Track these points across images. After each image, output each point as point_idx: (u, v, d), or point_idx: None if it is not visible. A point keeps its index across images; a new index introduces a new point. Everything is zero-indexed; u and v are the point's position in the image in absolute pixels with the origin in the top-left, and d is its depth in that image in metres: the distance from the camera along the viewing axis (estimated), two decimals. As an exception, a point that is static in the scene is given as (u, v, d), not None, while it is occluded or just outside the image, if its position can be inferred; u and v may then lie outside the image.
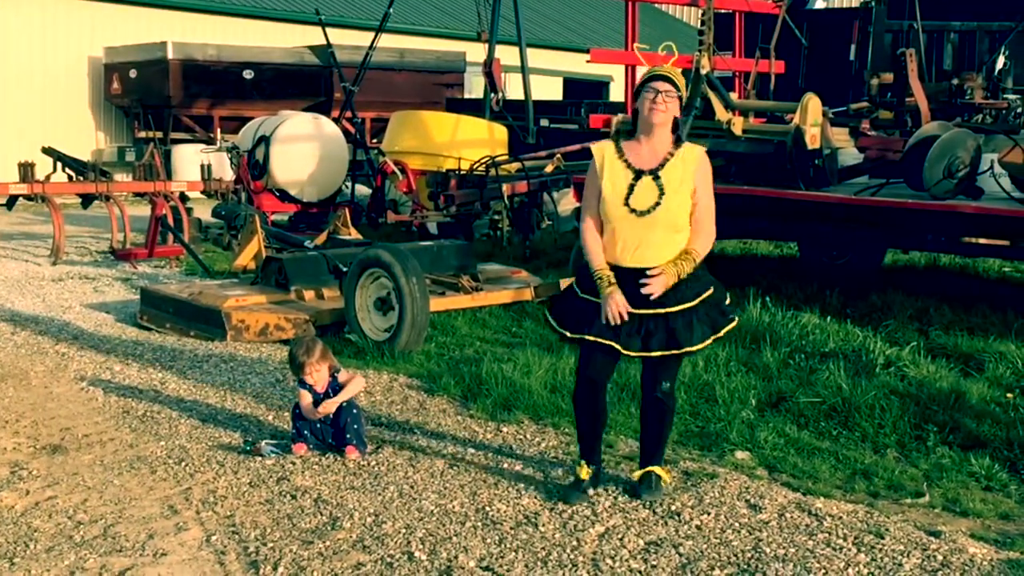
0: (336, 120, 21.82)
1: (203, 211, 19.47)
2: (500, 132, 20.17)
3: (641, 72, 6.89)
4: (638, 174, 6.56)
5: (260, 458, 7.58)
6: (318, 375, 7.79)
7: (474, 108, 24.49)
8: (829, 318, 11.20)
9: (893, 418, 8.27)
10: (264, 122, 20.37)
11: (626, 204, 6.52)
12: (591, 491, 6.90)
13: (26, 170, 17.81)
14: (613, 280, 6.54)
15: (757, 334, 10.45)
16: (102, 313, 12.97)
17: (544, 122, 22.98)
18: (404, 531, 6.34)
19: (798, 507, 6.79)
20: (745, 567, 5.90)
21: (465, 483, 7.15)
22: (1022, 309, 11.78)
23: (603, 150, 6.69)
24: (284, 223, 19.65)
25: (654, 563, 5.93)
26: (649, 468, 6.95)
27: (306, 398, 7.76)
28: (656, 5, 47.56)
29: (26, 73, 29.74)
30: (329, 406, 7.69)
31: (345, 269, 11.31)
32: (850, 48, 18.25)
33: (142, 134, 29.63)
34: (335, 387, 7.81)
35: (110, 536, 6.29)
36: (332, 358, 7.95)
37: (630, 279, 6.53)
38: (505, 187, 17.28)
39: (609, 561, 5.95)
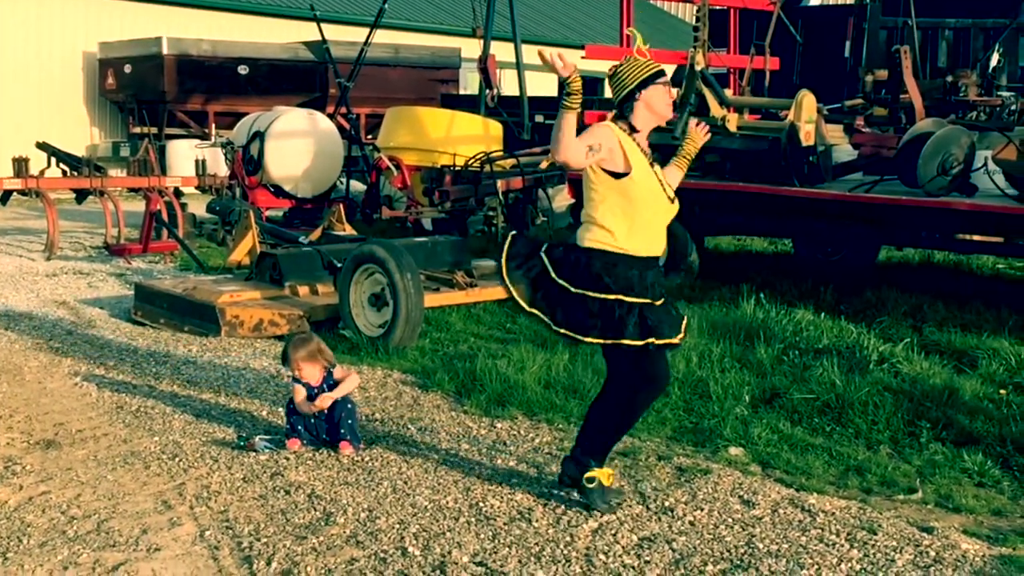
0: (331, 116, 21.84)
1: (197, 207, 19.48)
2: (495, 128, 20.19)
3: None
4: (651, 160, 6.45)
5: (254, 453, 7.58)
6: (309, 371, 7.78)
7: (469, 104, 24.50)
8: (823, 314, 11.21)
9: (886, 414, 8.27)
10: (259, 118, 20.37)
11: (664, 190, 6.42)
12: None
13: (20, 165, 17.84)
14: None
15: (751, 330, 10.46)
16: (96, 308, 12.97)
17: (539, 118, 23.00)
18: (398, 527, 6.34)
19: (791, 503, 6.80)
20: (738, 563, 5.90)
21: (459, 479, 7.16)
22: (1016, 306, 11.80)
23: (618, 132, 6.40)
24: (279, 219, 19.64)
25: (647, 558, 5.93)
26: None
27: (300, 393, 7.76)
28: (651, 1, 47.64)
29: (21, 68, 29.78)
30: (323, 401, 7.69)
31: (339, 265, 11.31)
32: (845, 45, 18.23)
33: (137, 129, 29.67)
34: (330, 383, 7.81)
35: (103, 531, 6.28)
36: (327, 354, 7.94)
37: (644, 266, 6.32)
38: (500, 183, 17.31)
39: (602, 556, 5.95)
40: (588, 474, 6.58)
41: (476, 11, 21.83)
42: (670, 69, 15.15)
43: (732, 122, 13.70)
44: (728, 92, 15.07)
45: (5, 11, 29.44)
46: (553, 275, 6.32)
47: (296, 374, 7.79)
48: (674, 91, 6.60)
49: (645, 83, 6.42)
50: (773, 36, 16.38)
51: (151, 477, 7.19)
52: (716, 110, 13.76)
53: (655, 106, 6.43)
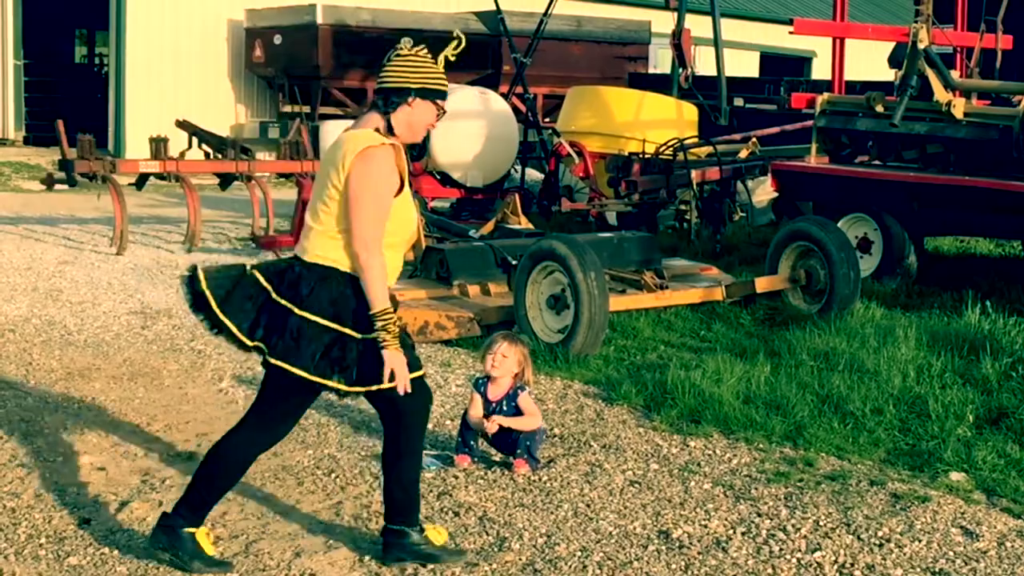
0: (505, 96, 21.96)
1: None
2: (689, 112, 20.16)
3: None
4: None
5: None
6: (509, 367, 7.85)
7: (660, 84, 24.50)
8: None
9: None
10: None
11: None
12: None
13: (158, 146, 18.05)
14: None
15: (976, 343, 10.37)
16: (242, 307, 13.15)
17: (739, 101, 22.91)
18: (579, 554, 6.43)
19: (1020, 535, 6.83)
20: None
21: (647, 502, 7.22)
22: None
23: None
24: (446, 210, 19.82)
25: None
26: None
27: (476, 408, 7.86)
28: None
29: (159, 36, 30.12)
30: (493, 425, 7.76)
31: (514, 262, 11.41)
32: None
33: (287, 108, 29.94)
34: (511, 402, 7.87)
35: (252, 553, 6.46)
36: (529, 370, 8.03)
37: None
38: (694, 173, 17.26)
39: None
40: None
41: (670, -19, 21.78)
42: (888, 47, 15.01)
43: (958, 108, 13.58)
44: (955, 74, 14.89)
45: (143, -28, 30.00)
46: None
47: (498, 362, 7.85)
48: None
49: (426, 93, 6.51)
50: (1007, 11, 16.15)
51: (304, 495, 7.37)
52: (941, 94, 13.65)
53: (416, 125, 6.45)
